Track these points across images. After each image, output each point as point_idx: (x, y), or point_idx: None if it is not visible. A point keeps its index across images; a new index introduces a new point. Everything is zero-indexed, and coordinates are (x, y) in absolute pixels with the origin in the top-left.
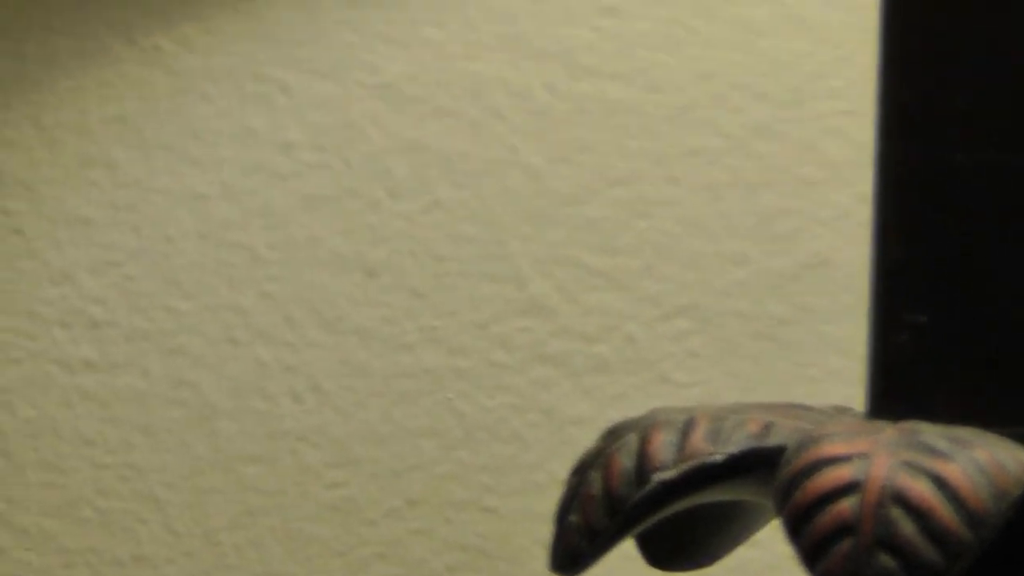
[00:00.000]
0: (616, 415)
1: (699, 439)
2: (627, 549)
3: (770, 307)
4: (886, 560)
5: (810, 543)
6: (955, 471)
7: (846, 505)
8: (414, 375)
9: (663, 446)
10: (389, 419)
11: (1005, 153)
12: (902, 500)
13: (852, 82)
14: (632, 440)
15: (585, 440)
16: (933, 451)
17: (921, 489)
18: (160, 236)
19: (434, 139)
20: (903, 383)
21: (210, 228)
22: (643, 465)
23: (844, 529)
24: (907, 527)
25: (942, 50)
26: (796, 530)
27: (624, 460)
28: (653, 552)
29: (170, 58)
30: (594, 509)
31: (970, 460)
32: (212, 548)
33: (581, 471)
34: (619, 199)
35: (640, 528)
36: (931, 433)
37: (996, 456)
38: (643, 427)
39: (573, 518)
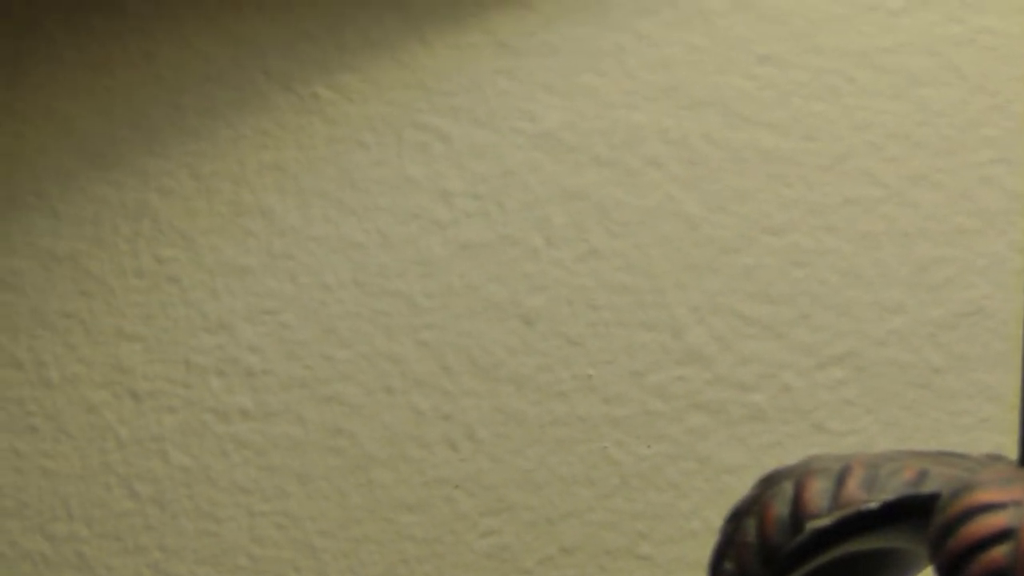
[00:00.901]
0: (771, 464)
1: (854, 487)
2: None
3: (925, 356)
4: None
5: None
6: None
7: (1000, 552)
8: (569, 423)
9: (818, 494)
10: (544, 467)
11: None
12: None
13: (1007, 131)
14: (787, 488)
15: (740, 488)
16: None
17: None
18: (317, 284)
19: (591, 187)
20: None
21: (367, 276)
22: (798, 512)
23: None
24: None
25: None
26: None
27: (779, 507)
28: None
29: (328, 106)
30: (749, 556)
31: None
32: None
33: (736, 518)
34: (775, 248)
35: None
36: None
37: None
38: (798, 475)
39: (728, 565)
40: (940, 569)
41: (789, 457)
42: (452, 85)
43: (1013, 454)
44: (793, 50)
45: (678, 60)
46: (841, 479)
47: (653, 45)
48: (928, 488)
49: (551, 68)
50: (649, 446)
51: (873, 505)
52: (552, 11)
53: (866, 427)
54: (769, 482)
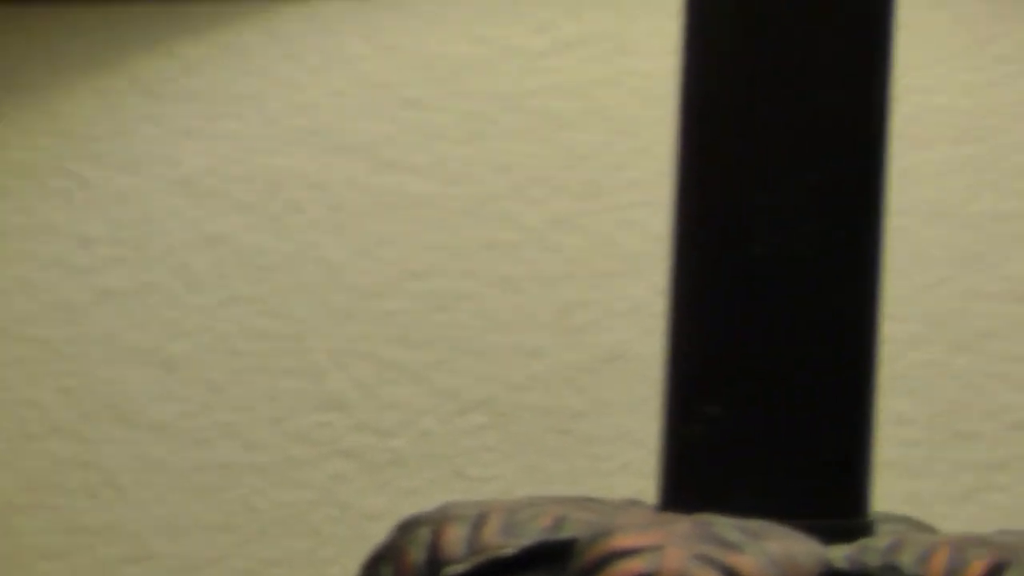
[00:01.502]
0: (411, 509)
1: (491, 533)
2: None
3: (566, 400)
4: None
5: None
6: (747, 563)
7: None
8: (210, 469)
9: (455, 540)
10: (185, 514)
11: (800, 244)
12: None
13: (650, 173)
14: (424, 534)
15: (381, 535)
16: (725, 543)
17: None
18: None
19: (232, 233)
20: (696, 474)
21: (8, 322)
22: (435, 559)
23: None
24: None
25: (738, 142)
26: None
27: (416, 554)
28: None
29: None
30: None
31: (762, 552)
32: None
33: (373, 565)
34: (417, 293)
35: None
36: (724, 525)
37: (788, 548)
38: (436, 521)
39: None
40: None
41: (430, 503)
42: (96, 131)
43: (654, 499)
44: (436, 94)
45: (320, 104)
46: (479, 525)
47: (295, 89)
48: (565, 533)
49: (193, 113)
50: (290, 492)
51: (510, 551)
52: (193, 57)
53: (506, 473)
54: (406, 528)
